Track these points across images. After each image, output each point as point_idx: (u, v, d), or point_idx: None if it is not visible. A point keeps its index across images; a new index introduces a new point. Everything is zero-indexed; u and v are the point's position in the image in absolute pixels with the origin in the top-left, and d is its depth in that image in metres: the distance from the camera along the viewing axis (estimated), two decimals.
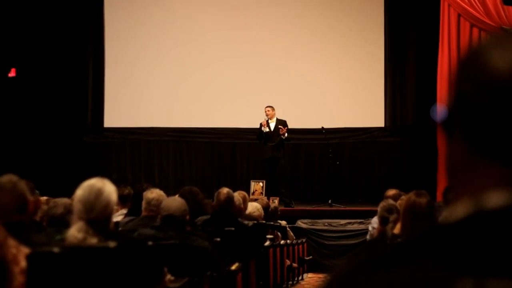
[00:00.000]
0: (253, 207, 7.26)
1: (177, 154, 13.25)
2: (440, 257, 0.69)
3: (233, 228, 5.28)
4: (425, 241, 0.72)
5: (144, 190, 5.35)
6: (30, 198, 3.31)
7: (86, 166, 12.41)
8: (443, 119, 0.78)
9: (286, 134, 11.00)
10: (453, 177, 0.78)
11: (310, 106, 12.82)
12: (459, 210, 0.73)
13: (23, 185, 3.19)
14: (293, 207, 11.22)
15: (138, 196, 5.32)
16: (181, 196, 5.31)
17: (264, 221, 7.24)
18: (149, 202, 5.00)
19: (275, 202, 10.35)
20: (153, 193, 5.07)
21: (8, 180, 3.14)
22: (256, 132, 11.49)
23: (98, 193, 3.13)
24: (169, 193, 5.80)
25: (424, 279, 0.67)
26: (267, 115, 11.25)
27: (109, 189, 3.18)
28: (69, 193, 4.70)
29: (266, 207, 8.08)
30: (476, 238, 0.69)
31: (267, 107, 11.34)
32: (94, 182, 3.18)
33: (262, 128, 11.17)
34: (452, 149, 0.78)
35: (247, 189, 10.71)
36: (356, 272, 0.72)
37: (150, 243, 3.49)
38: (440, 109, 0.78)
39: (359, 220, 10.56)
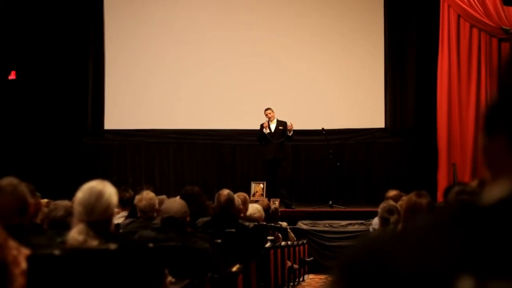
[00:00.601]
0: (254, 209, 7.25)
1: (177, 156, 13.25)
2: (455, 244, 0.69)
3: (233, 230, 5.27)
4: (452, 220, 0.73)
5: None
6: (31, 200, 3.30)
7: (86, 168, 12.42)
8: (487, 114, 0.79)
9: (292, 132, 11.06)
10: (492, 170, 0.79)
11: (310, 107, 12.82)
12: (496, 190, 0.74)
13: (23, 187, 3.18)
14: (294, 208, 11.22)
15: None
16: (182, 197, 5.31)
17: (265, 223, 7.23)
18: (143, 210, 5.00)
19: (275, 204, 10.34)
20: (143, 200, 5.07)
21: (8, 183, 3.14)
22: (256, 134, 11.50)
23: (99, 196, 3.13)
24: (169, 195, 5.80)
25: (429, 266, 0.68)
26: (268, 117, 11.27)
27: (110, 192, 3.18)
28: (70, 195, 4.70)
29: (266, 209, 8.07)
30: (503, 227, 0.70)
31: (267, 109, 11.35)
32: (95, 185, 3.18)
33: (264, 130, 11.18)
34: (492, 144, 0.78)
35: (247, 190, 10.70)
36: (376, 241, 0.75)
37: (150, 245, 3.49)
38: (486, 105, 0.79)
39: (359, 221, 10.55)
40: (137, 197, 5.18)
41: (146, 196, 5.13)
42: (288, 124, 11.13)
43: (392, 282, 0.69)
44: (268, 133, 11.18)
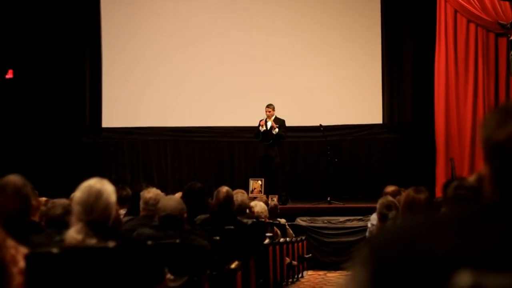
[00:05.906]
0: (261, 208, 7.27)
1: (175, 153, 13.24)
2: (493, 235, 0.70)
3: (232, 227, 5.27)
4: (489, 212, 0.74)
5: (142, 190, 5.34)
6: (34, 202, 3.29)
7: (84, 166, 12.41)
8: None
9: (276, 130, 11.03)
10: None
11: (308, 103, 12.82)
12: None
13: (28, 188, 3.17)
14: (289, 204, 11.26)
15: (137, 196, 5.30)
16: (185, 193, 5.33)
17: (271, 220, 7.26)
18: (146, 202, 4.99)
19: (274, 200, 10.35)
20: (150, 193, 5.06)
21: (13, 183, 3.13)
22: (254, 130, 11.51)
23: (98, 195, 3.11)
24: (168, 193, 5.79)
25: (464, 254, 0.69)
26: (267, 115, 11.22)
27: (108, 190, 3.16)
28: (68, 194, 4.68)
29: (266, 205, 8.08)
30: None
31: (268, 106, 11.27)
32: (93, 184, 3.15)
33: (260, 128, 11.17)
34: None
35: (245, 187, 10.71)
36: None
37: (149, 242, 3.48)
38: None
39: (358, 217, 10.56)
40: (145, 190, 5.18)
41: (155, 191, 5.14)
42: (273, 124, 11.09)
43: (423, 266, 0.70)
44: (263, 130, 11.18)
